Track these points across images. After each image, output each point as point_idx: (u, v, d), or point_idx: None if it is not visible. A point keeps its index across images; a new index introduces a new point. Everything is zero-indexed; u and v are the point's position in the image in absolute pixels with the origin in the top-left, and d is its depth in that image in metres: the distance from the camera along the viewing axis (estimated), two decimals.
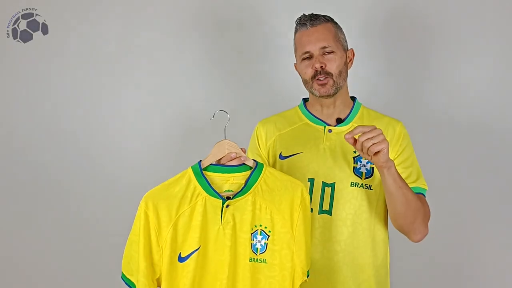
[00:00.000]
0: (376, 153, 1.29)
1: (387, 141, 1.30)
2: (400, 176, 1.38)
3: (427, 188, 1.51)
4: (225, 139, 1.33)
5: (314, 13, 1.54)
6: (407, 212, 1.42)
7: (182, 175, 1.30)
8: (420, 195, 1.48)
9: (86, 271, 2.15)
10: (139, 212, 1.26)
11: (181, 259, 1.26)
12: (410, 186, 1.46)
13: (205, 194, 1.28)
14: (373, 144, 1.28)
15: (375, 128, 1.29)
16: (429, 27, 2.08)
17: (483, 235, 2.09)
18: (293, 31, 1.57)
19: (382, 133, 1.29)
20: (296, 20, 1.56)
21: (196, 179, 1.29)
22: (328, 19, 1.53)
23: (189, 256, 1.26)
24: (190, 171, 1.30)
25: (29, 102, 2.17)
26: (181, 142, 2.15)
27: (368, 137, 1.28)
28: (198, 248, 1.26)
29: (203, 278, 1.27)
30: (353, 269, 1.46)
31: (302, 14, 1.55)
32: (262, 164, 1.35)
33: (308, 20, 1.51)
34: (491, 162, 2.06)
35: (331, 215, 1.46)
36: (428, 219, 1.49)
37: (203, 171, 1.30)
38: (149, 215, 1.25)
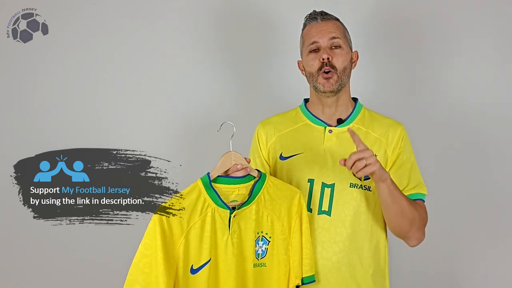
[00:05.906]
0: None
1: (378, 162, 1.32)
2: (396, 187, 1.39)
3: (426, 193, 1.52)
4: (231, 150, 1.37)
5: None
6: (401, 222, 1.44)
7: (192, 188, 1.33)
8: (418, 201, 1.50)
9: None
10: (152, 225, 1.27)
11: (193, 271, 1.29)
12: (409, 193, 1.49)
13: (214, 205, 1.32)
14: (366, 165, 1.29)
15: (367, 149, 1.31)
16: (428, 29, 2.12)
17: (482, 238, 2.11)
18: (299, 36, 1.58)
19: (373, 155, 1.31)
20: (306, 16, 1.56)
21: (206, 192, 1.32)
22: (337, 19, 1.56)
23: (201, 268, 1.30)
24: (200, 183, 1.33)
25: (29, 102, 2.17)
26: (188, 143, 2.16)
27: (361, 156, 1.29)
28: (210, 260, 1.30)
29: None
30: (352, 270, 1.47)
31: (312, 11, 1.56)
32: (265, 175, 1.41)
33: (319, 15, 1.53)
34: (491, 165, 2.10)
35: (330, 216, 1.47)
36: (425, 225, 1.50)
37: (211, 183, 1.34)
38: (165, 229, 1.27)
